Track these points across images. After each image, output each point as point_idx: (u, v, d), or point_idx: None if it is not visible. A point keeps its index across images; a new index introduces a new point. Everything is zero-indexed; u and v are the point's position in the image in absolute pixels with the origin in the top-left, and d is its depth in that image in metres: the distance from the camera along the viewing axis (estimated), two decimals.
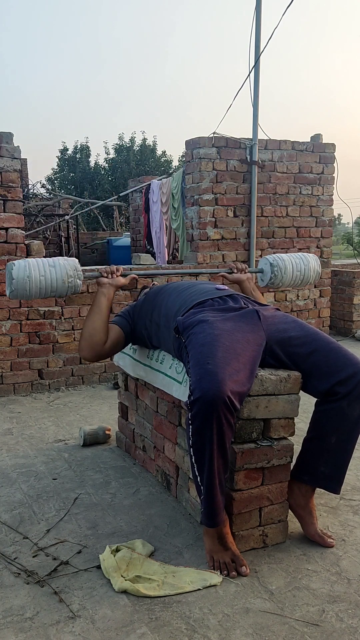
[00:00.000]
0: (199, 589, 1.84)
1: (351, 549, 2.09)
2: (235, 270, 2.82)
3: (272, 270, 2.92)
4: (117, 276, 2.58)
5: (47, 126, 61.58)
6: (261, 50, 4.83)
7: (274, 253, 5.36)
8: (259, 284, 3.05)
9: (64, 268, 2.47)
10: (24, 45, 75.50)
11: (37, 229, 8.00)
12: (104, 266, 2.75)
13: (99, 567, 1.97)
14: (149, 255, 4.98)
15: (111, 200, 8.91)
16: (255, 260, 5.23)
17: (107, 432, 3.24)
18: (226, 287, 2.40)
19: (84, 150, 21.55)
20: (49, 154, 63.12)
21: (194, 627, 1.67)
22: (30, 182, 9.75)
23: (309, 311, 5.70)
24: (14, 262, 2.44)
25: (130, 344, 2.80)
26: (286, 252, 5.47)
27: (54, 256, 8.43)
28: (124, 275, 2.62)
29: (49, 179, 20.92)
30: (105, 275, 2.57)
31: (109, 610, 1.75)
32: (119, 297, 4.50)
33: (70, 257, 8.41)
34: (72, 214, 8.48)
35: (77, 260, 2.55)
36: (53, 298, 4.29)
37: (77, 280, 2.49)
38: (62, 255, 8.42)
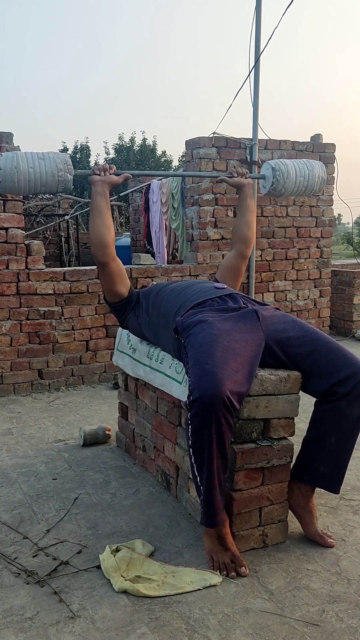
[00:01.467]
0: (199, 589, 1.84)
1: (351, 549, 2.09)
2: (236, 175, 2.78)
3: (274, 174, 2.82)
4: (110, 173, 2.54)
5: (47, 126, 61.68)
6: (261, 50, 4.82)
7: (274, 253, 5.40)
8: (261, 191, 2.98)
9: (54, 161, 2.40)
10: (24, 46, 75.57)
11: (37, 229, 8.00)
12: (95, 164, 2.68)
13: (99, 567, 1.97)
14: (149, 255, 4.97)
15: (111, 200, 8.90)
16: (255, 261, 5.23)
17: (107, 432, 3.24)
18: (225, 286, 2.40)
19: (84, 150, 21.57)
20: None
21: (194, 627, 1.67)
22: None
23: (309, 311, 5.70)
24: (0, 153, 2.34)
25: (130, 344, 2.80)
26: (286, 252, 5.47)
27: (55, 257, 8.46)
28: (117, 175, 2.57)
29: None
30: (98, 172, 2.53)
31: (109, 610, 1.75)
32: None
33: (70, 257, 8.44)
34: (72, 214, 8.48)
35: (67, 155, 2.51)
36: (53, 297, 4.29)
37: (68, 174, 2.43)
38: (62, 256, 8.43)
